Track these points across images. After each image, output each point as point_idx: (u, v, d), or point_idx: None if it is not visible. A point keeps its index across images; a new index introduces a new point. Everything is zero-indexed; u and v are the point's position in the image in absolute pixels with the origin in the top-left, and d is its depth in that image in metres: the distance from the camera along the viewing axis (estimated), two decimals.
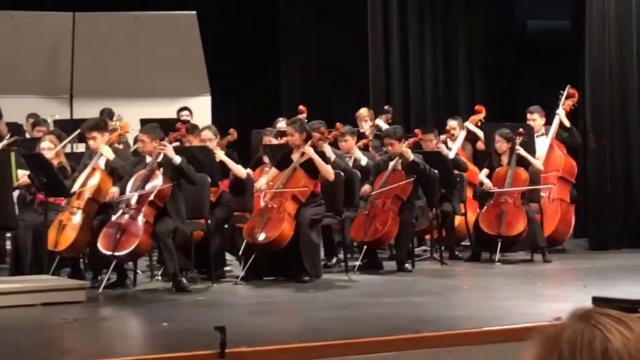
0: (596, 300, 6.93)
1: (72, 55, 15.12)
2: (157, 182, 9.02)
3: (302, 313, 8.05)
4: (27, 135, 11.86)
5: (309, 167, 9.57)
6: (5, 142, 10.42)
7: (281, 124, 11.52)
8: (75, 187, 9.29)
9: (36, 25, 14.89)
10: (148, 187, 9.01)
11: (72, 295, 8.30)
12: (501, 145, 10.87)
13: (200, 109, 13.98)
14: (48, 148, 9.68)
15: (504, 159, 10.90)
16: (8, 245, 9.26)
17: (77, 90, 15.16)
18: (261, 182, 9.60)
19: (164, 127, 9.71)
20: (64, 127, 11.34)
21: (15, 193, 10.04)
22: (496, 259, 10.41)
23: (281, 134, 10.70)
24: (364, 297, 8.54)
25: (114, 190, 9.11)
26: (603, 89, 11.93)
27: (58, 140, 9.94)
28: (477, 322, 6.99)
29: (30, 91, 14.51)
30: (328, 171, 9.59)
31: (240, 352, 5.87)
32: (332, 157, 10.11)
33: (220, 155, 10.02)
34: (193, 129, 10.68)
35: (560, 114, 11.61)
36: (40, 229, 9.19)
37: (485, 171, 10.94)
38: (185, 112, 13.27)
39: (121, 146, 10.56)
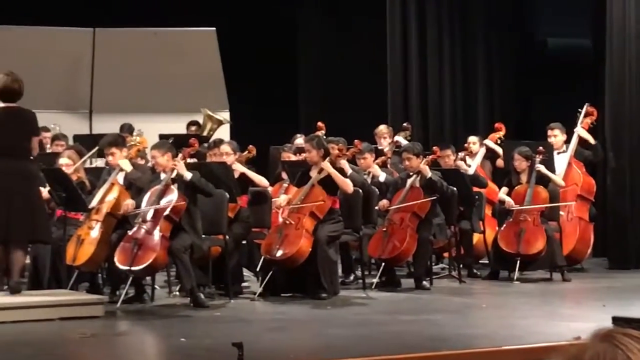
0: (616, 320, 6.87)
1: (92, 70, 15.18)
2: (172, 197, 9.02)
3: (319, 330, 8.01)
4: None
5: (327, 183, 9.56)
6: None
7: (299, 140, 11.52)
8: (94, 202, 9.31)
9: (57, 40, 14.97)
10: (163, 202, 9.02)
11: (90, 310, 8.32)
12: (520, 163, 10.84)
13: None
14: (66, 164, 9.70)
15: (523, 177, 10.86)
16: (27, 259, 9.26)
17: (96, 105, 15.22)
18: (281, 199, 9.61)
19: (179, 143, 9.71)
20: (84, 143, 11.37)
21: None
22: (515, 278, 10.36)
23: (299, 150, 10.71)
24: (382, 315, 8.51)
25: (129, 202, 9.13)
26: (623, 107, 11.89)
27: (77, 155, 9.97)
28: (496, 341, 6.96)
29: (51, 106, 14.53)
30: (347, 184, 9.59)
31: None
32: (350, 173, 10.08)
33: (240, 167, 10.04)
34: (219, 143, 10.60)
35: (581, 132, 11.58)
36: (58, 244, 9.21)
37: (505, 189, 10.90)
38: (194, 127, 13.30)
39: (143, 161, 10.57)
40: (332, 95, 15.09)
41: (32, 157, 8.66)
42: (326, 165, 9.56)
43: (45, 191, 9.50)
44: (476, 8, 14.47)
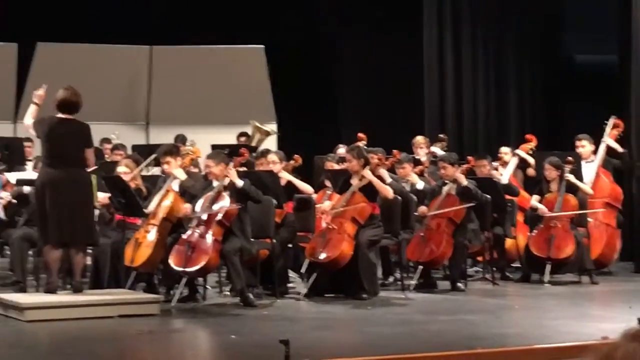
0: None
1: (149, 85, 15.29)
2: (224, 203, 9.04)
3: (361, 328, 7.99)
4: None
5: (368, 191, 9.55)
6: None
7: (341, 150, 11.52)
8: (150, 208, 9.35)
9: (116, 57, 15.10)
10: (215, 207, 9.04)
11: (146, 308, 8.35)
12: (550, 172, 10.76)
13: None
14: (125, 172, 9.76)
15: (553, 186, 10.78)
16: (88, 260, 9.33)
17: (153, 117, 15.33)
18: (324, 205, 9.61)
19: (230, 153, 9.74)
20: (141, 152, 11.44)
21: (96, 212, 10.15)
22: (545, 281, 10.29)
23: (342, 159, 10.70)
24: (419, 315, 8.47)
25: (188, 206, 9.16)
26: None
27: (135, 164, 10.03)
28: (528, 340, 6.91)
29: (111, 118, 14.68)
30: (387, 189, 9.58)
31: None
32: (389, 181, 10.07)
33: (286, 176, 10.07)
34: (267, 153, 10.64)
35: (609, 142, 11.49)
36: (118, 246, 9.27)
37: (537, 197, 10.82)
38: (244, 138, 13.37)
39: (195, 170, 10.61)
40: (372, 108, 15.07)
41: (86, 167, 8.69)
42: (367, 173, 9.55)
43: (105, 197, 9.57)
44: (509, 26, 14.43)
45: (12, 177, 10.01)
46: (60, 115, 8.58)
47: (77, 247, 8.53)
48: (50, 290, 8.46)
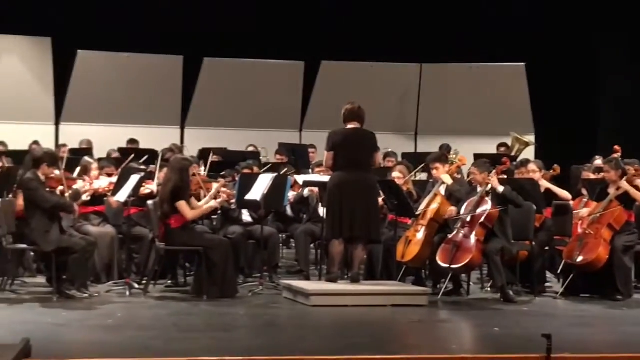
0: None
1: (418, 99, 15.46)
2: (486, 207, 9.03)
3: (615, 327, 7.77)
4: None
5: (624, 199, 9.27)
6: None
7: (598, 161, 11.21)
8: (420, 209, 9.47)
9: (388, 74, 15.37)
10: (479, 210, 9.04)
11: (416, 299, 8.48)
12: None
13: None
14: (398, 177, 9.92)
15: None
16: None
17: (421, 128, 15.48)
18: (582, 212, 9.41)
19: (492, 161, 9.71)
20: (410, 159, 11.58)
21: None
22: None
23: (598, 170, 10.43)
24: None
25: (453, 209, 9.22)
26: None
27: (406, 170, 10.18)
28: None
29: (382, 128, 14.90)
30: None
31: (565, 358, 5.75)
32: None
33: (546, 184, 9.94)
34: (527, 162, 10.53)
35: None
36: (390, 243, 9.44)
37: None
38: (504, 148, 13.25)
39: (459, 176, 10.64)
40: (629, 120, 14.53)
41: (373, 170, 8.92)
42: (623, 183, 9.28)
43: (380, 199, 9.77)
44: None
45: (300, 178, 10.38)
46: (350, 125, 8.85)
47: (356, 242, 8.73)
48: (331, 279, 8.73)
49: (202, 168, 10.83)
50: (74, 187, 8.85)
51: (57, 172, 8.76)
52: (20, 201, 8.75)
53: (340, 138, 8.78)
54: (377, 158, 8.93)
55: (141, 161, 10.81)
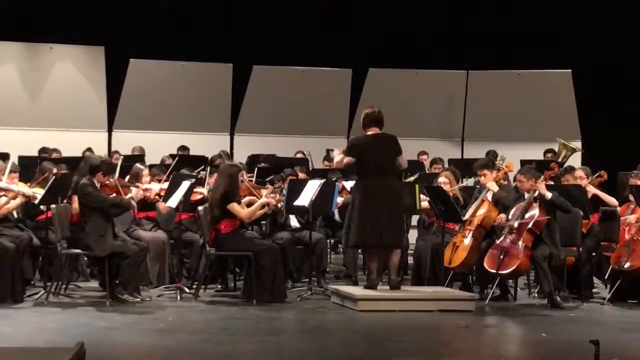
0: None
1: (465, 105, 15.38)
2: (534, 213, 8.96)
3: None
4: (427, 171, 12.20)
5: None
6: (411, 177, 10.89)
7: None
8: (467, 215, 9.42)
9: (436, 81, 15.33)
10: (526, 216, 8.97)
11: (463, 304, 8.43)
12: None
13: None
14: (444, 183, 9.88)
15: None
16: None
17: (467, 134, 15.40)
18: (630, 218, 9.28)
19: (539, 167, 9.63)
20: (456, 165, 11.53)
21: (415, 217, 10.42)
22: None
23: None
24: None
25: (502, 216, 9.15)
26: None
27: (453, 175, 10.12)
28: None
29: (429, 134, 14.95)
30: None
31: None
32: None
33: (592, 189, 9.84)
34: (573, 169, 10.44)
35: None
36: (437, 248, 9.40)
37: None
38: (550, 154, 13.14)
39: (506, 182, 10.56)
40: None
41: (398, 175, 8.81)
42: None
43: (425, 203, 9.74)
44: None
45: (348, 184, 10.38)
46: (370, 132, 8.77)
47: (388, 248, 8.64)
48: (371, 286, 8.66)
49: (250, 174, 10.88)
50: (129, 195, 8.90)
51: (111, 179, 8.85)
52: (75, 206, 8.85)
53: (362, 146, 8.67)
54: (402, 161, 8.79)
55: (196, 171, 10.86)
